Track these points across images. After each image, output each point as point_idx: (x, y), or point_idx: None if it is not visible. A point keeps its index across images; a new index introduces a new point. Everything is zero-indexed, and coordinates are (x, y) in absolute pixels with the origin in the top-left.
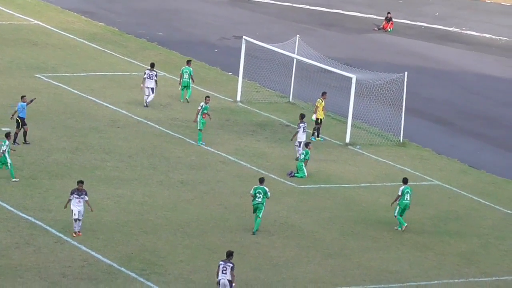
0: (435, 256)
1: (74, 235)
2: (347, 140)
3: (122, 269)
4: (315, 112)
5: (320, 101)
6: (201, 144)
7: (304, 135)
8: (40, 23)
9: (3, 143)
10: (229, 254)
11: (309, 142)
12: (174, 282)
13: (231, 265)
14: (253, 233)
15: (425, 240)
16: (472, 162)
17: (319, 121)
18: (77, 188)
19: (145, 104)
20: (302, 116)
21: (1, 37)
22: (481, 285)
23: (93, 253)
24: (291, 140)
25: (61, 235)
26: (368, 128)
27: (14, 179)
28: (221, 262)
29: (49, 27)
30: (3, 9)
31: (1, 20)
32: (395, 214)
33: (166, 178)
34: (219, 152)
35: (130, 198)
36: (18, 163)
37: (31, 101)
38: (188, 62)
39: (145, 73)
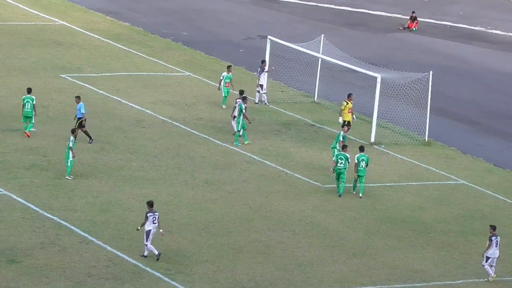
0: (460, 256)
1: None
2: (372, 139)
3: (147, 269)
4: (341, 115)
5: (345, 103)
6: (247, 142)
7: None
8: (65, 24)
9: (69, 139)
10: (152, 204)
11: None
12: (199, 281)
13: (158, 213)
14: (339, 196)
15: (450, 240)
16: (497, 161)
17: (346, 123)
18: None
19: (256, 101)
20: (241, 92)
21: (27, 38)
22: (507, 285)
23: (118, 253)
24: (231, 115)
25: (86, 235)
26: (393, 128)
27: (68, 177)
28: (150, 214)
29: (74, 27)
30: (28, 9)
31: (27, 20)
32: (354, 179)
33: (191, 178)
34: (244, 152)
35: (155, 198)
36: (43, 163)
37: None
38: (228, 68)
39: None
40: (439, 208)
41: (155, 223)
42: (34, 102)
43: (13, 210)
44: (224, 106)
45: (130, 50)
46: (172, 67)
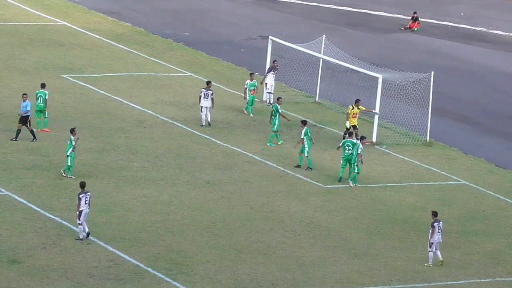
0: (462, 256)
1: None
2: (374, 139)
3: (149, 269)
4: (348, 119)
5: (351, 108)
6: (280, 142)
7: (207, 101)
8: (67, 24)
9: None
10: (83, 185)
11: (365, 137)
12: (201, 282)
13: (90, 194)
14: (343, 180)
15: (451, 240)
16: (499, 162)
17: (351, 128)
18: None
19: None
20: (207, 83)
21: (28, 38)
22: (508, 285)
23: (119, 253)
24: (199, 103)
25: None
26: (394, 128)
27: (64, 175)
28: (82, 195)
29: (75, 27)
30: (30, 9)
31: (28, 20)
32: (306, 155)
33: (193, 178)
34: (245, 152)
35: (157, 198)
36: (45, 164)
37: None
38: (251, 75)
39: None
40: (441, 209)
41: (87, 203)
42: (46, 97)
43: (15, 211)
44: (245, 111)
45: (132, 50)
46: (174, 67)
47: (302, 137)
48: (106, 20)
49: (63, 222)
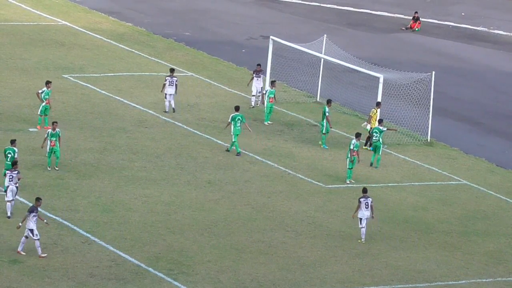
0: (463, 256)
1: None
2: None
3: (150, 269)
4: (369, 122)
5: (374, 111)
6: (325, 147)
7: (172, 89)
8: (68, 24)
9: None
10: (14, 163)
11: (360, 134)
12: (202, 282)
13: (16, 171)
14: (376, 167)
15: (452, 240)
16: (500, 162)
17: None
18: None
19: (252, 105)
20: (171, 70)
21: (29, 38)
22: (509, 285)
23: (120, 253)
24: (161, 91)
25: (88, 235)
26: (395, 128)
27: (49, 168)
28: (8, 172)
29: (76, 27)
30: (31, 9)
31: (29, 20)
32: (233, 140)
33: (194, 178)
34: (246, 152)
35: (158, 198)
36: (46, 164)
37: None
38: (272, 83)
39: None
40: (442, 209)
41: (11, 180)
42: (43, 94)
43: (16, 210)
44: (266, 123)
45: (133, 50)
46: (175, 67)
47: (229, 121)
48: (107, 20)
49: (64, 222)
